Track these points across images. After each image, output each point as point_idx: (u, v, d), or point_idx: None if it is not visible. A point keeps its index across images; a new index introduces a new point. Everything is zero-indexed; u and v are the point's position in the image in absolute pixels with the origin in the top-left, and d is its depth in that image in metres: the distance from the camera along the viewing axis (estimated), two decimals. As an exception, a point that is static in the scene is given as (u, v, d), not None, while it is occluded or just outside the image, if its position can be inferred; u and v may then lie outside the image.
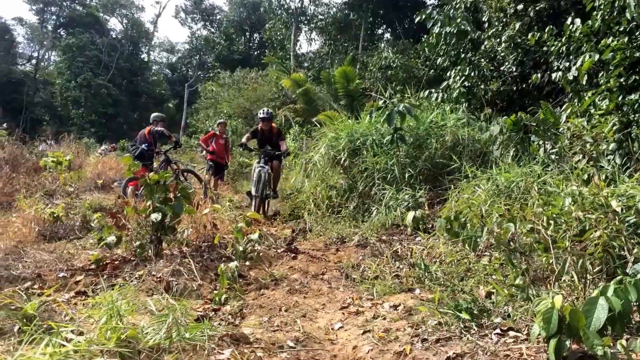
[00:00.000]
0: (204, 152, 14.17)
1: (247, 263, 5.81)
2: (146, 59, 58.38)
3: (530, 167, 7.25)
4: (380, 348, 3.84)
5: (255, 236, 5.81)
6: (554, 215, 4.02)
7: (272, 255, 6.70)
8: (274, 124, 11.13)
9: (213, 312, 4.60)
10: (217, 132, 13.71)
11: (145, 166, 9.56)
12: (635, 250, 3.47)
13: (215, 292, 5.19)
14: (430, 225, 7.09)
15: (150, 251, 5.70)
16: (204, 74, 48.80)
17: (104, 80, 46.72)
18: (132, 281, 5.02)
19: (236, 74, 28.80)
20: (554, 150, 8.05)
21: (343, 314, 4.73)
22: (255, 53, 44.25)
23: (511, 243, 4.21)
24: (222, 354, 3.46)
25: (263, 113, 10.91)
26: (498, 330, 3.79)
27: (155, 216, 5.52)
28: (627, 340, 2.99)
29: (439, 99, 11.64)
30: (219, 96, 28.60)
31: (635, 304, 3.01)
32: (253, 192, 9.97)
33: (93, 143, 27.38)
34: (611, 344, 2.90)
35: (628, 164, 6.72)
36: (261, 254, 6.12)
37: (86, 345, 2.90)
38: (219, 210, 6.82)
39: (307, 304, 5.08)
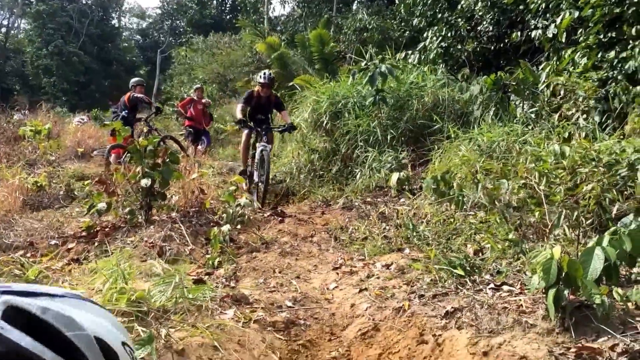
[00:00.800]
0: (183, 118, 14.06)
1: (238, 227, 5.81)
2: (117, 25, 57.00)
3: (511, 127, 7.31)
4: (378, 305, 3.91)
5: (245, 200, 5.81)
6: (546, 171, 4.07)
7: (260, 219, 6.71)
8: (273, 91, 9.33)
9: (207, 276, 4.62)
10: (195, 98, 13.52)
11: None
12: (626, 203, 3.55)
13: (208, 256, 5.20)
14: (416, 187, 7.14)
15: (140, 217, 5.67)
16: (176, 39, 47.81)
17: (74, 47, 45.56)
18: (124, 247, 4.99)
19: (209, 39, 28.28)
20: (533, 110, 8.14)
21: (337, 274, 4.78)
22: (228, 17, 43.36)
23: (503, 199, 4.27)
24: (226, 313, 3.49)
25: (263, 77, 8.84)
26: (492, 285, 3.86)
27: (145, 182, 5.47)
28: (622, 289, 3.08)
29: (416, 60, 11.62)
30: (192, 62, 28.11)
31: (631, 253, 3.09)
32: (255, 178, 8.39)
33: (66, 112, 26.77)
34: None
35: (607, 122, 6.81)
36: (250, 217, 6.12)
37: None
38: (206, 175, 6.78)
39: (300, 266, 5.12)
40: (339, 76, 11.49)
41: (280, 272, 4.89)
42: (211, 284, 4.16)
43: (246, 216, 5.85)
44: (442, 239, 5.34)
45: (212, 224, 6.19)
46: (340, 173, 8.71)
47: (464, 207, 5.70)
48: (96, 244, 5.19)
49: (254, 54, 21.97)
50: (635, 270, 3.41)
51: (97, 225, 5.58)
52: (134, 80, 11.42)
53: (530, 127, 7.47)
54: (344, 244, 5.77)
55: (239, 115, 8.47)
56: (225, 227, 5.37)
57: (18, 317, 0.82)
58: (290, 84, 15.69)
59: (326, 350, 3.64)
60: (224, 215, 6.06)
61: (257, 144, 8.45)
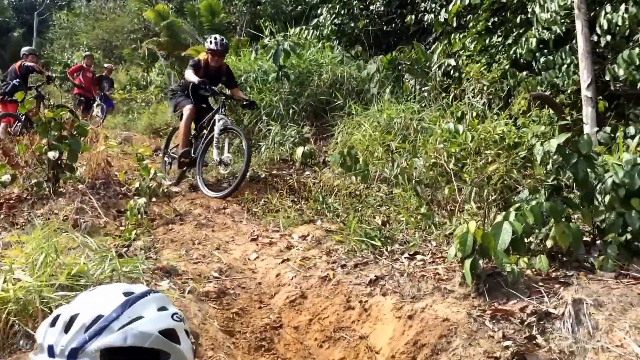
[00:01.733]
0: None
1: (153, 199, 5.78)
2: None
3: (407, 105, 7.73)
4: (303, 274, 4.14)
5: (160, 174, 5.80)
6: (454, 151, 4.46)
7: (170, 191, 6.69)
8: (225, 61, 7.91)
9: (125, 248, 4.62)
10: (84, 65, 12.94)
11: (16, 102, 8.91)
12: (527, 181, 3.99)
13: (122, 228, 5.18)
14: (321, 160, 7.40)
15: (47, 189, 5.49)
16: (54, 1, 44.64)
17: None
18: (34, 220, 4.84)
19: (92, 3, 26.82)
20: (426, 89, 8.64)
21: (256, 245, 4.95)
22: (113, -20, 41.16)
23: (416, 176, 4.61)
24: (160, 285, 3.57)
25: (215, 43, 7.30)
26: (406, 255, 4.21)
27: (53, 154, 5.30)
28: (528, 258, 3.50)
29: (311, 37, 11.82)
30: (75, 26, 26.58)
31: (533, 225, 3.52)
32: (216, 157, 6.92)
33: None
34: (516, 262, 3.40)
35: (495, 102, 7.40)
36: (165, 190, 6.10)
37: (37, 280, 2.90)
38: (114, 147, 6.64)
39: (217, 237, 5.23)
40: (231, 49, 11.40)
41: (199, 244, 4.98)
42: (138, 258, 4.18)
43: (161, 189, 5.82)
44: (351, 210, 5.64)
45: (120, 196, 6.12)
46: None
47: (369, 181, 6.05)
48: (2, 216, 5.00)
49: (141, 21, 21.14)
50: (533, 240, 3.85)
51: (0, 197, 5.36)
52: (25, 49, 11.01)
53: (424, 106, 7.96)
54: (257, 216, 5.92)
55: (194, 78, 7.00)
56: (141, 200, 5.34)
57: (111, 353, 1.09)
58: (183, 54, 15.37)
59: (258, 317, 3.83)
60: (134, 187, 6.01)
61: (217, 116, 7.06)
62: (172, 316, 1.22)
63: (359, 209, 5.67)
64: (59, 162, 5.47)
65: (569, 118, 5.49)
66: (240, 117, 9.03)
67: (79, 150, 5.51)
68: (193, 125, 7.57)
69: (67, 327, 1.11)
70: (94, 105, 13.54)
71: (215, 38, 7.40)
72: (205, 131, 7.37)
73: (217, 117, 7.08)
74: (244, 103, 7.59)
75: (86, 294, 1.23)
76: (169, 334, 1.18)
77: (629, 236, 3.70)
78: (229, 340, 3.48)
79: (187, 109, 7.30)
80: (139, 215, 5.28)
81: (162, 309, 1.21)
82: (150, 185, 5.60)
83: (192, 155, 7.25)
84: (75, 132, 5.52)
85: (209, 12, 17.87)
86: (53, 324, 1.14)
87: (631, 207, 3.57)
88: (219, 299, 3.87)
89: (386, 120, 7.28)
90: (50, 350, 1.09)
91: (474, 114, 6.86)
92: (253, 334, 3.65)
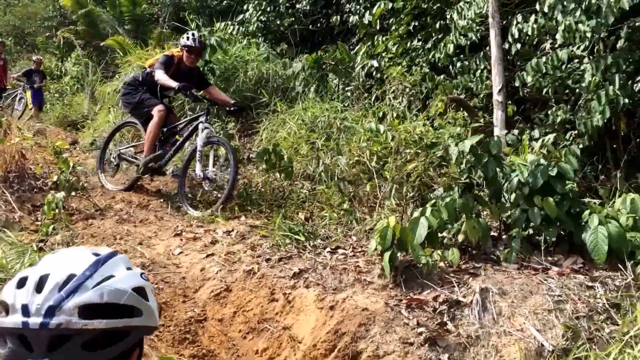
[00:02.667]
0: None
1: (72, 194, 5.70)
2: None
3: (331, 104, 7.95)
4: (228, 269, 4.23)
5: (79, 166, 5.73)
6: (376, 150, 4.68)
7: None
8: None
9: (42, 243, 4.57)
10: (-5, 53, 12.43)
11: None
12: (443, 179, 4.26)
13: (38, 223, 5.10)
14: (245, 156, 7.48)
15: (-44, 182, 5.33)
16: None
17: None
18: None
19: (3, -13, 25.66)
20: (349, 88, 8.88)
21: (180, 240, 5.00)
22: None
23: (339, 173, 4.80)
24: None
25: (193, 39, 6.54)
26: (329, 249, 4.39)
27: (-35, 146, 5.15)
28: (441, 251, 3.75)
29: (236, 32, 11.84)
30: (-17, 11, 25.34)
31: (447, 221, 3.78)
32: (198, 173, 6.08)
33: None
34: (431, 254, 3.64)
35: (415, 103, 7.72)
36: (84, 184, 6.01)
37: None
38: (28, 139, 6.47)
39: (139, 232, 5.24)
40: (148, 40, 11.26)
41: (121, 239, 4.97)
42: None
43: (81, 183, 5.75)
44: (275, 207, 5.78)
45: (35, 190, 6.00)
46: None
47: (292, 177, 6.20)
48: None
49: (57, 8, 20.40)
50: (446, 234, 4.12)
51: None
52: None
53: (347, 105, 8.19)
54: (181, 211, 5.95)
55: (171, 82, 6.20)
56: (60, 194, 5.26)
57: (89, 311, 1.13)
58: (102, 43, 15.02)
59: (182, 310, 3.90)
60: (51, 181, 5.90)
61: (200, 125, 6.22)
62: (140, 275, 1.29)
63: (283, 205, 5.82)
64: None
65: (481, 121, 5.86)
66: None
67: (-8, 143, 5.38)
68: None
69: (38, 287, 1.13)
70: (17, 97, 13.09)
71: (193, 34, 6.66)
72: (178, 137, 6.60)
73: (200, 126, 6.22)
74: (231, 109, 6.72)
75: (51, 256, 1.27)
76: (140, 292, 1.24)
77: (531, 231, 4.04)
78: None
79: (157, 111, 6.43)
80: (57, 210, 5.19)
81: (130, 268, 1.28)
82: (69, 179, 5.51)
83: (160, 162, 6.44)
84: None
85: (130, 2, 17.47)
86: (21, 285, 1.15)
87: (534, 204, 3.89)
88: (142, 293, 3.90)
89: (311, 118, 7.46)
90: (25, 310, 1.10)
91: (395, 114, 7.14)
92: (177, 327, 3.72)
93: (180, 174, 6.27)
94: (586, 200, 4.53)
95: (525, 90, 6.59)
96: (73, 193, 5.73)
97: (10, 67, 16.14)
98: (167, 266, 4.48)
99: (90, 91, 14.37)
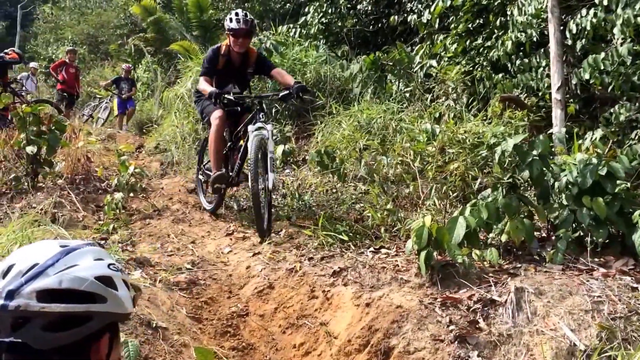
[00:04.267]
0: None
1: (131, 195, 5.95)
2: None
3: (388, 105, 7.91)
4: (272, 267, 4.31)
5: (138, 169, 5.97)
6: (419, 150, 4.65)
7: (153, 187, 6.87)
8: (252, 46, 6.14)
9: (102, 241, 4.78)
10: (67, 60, 13.08)
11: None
12: (486, 179, 4.19)
13: (100, 222, 5.34)
14: (300, 159, 7.57)
15: (26, 184, 5.65)
16: (38, -6, 44.43)
17: None
18: (13, 213, 5.01)
19: (78, -3, 26.96)
20: (407, 89, 8.82)
21: (231, 239, 5.13)
22: (98, -26, 41.10)
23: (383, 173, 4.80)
24: (133, 274, 3.74)
25: (237, 19, 5.59)
26: (372, 249, 4.41)
27: (31, 149, 5.48)
28: (481, 251, 3.70)
29: (298, 35, 11.96)
30: (60, 21, 26.62)
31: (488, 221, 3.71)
32: (260, 184, 5.19)
33: None
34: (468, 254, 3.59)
35: (473, 104, 7.59)
36: (143, 186, 6.27)
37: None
38: (94, 143, 6.80)
39: (193, 232, 5.41)
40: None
41: (175, 238, 5.15)
42: (109, 249, 4.36)
43: (140, 184, 6.00)
44: (327, 207, 5.82)
45: (100, 191, 6.29)
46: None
47: (345, 179, 6.22)
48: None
49: (127, 16, 21.20)
50: (491, 235, 4.05)
51: (-20, 191, 5.54)
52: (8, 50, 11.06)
53: (405, 106, 8.13)
54: (234, 212, 6.09)
55: (207, 87, 5.54)
56: (119, 195, 5.51)
57: (47, 295, 1.21)
58: (167, 48, 15.51)
59: (226, 306, 4.02)
60: (114, 183, 6.17)
61: (250, 127, 5.37)
62: (108, 266, 1.34)
63: (334, 206, 5.85)
64: (37, 157, 5.64)
65: (536, 119, 5.70)
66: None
67: (57, 146, 5.70)
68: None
69: (4, 274, 1.23)
70: (102, 105, 13.76)
71: (237, 13, 5.70)
72: (242, 142, 5.90)
73: (250, 127, 5.36)
74: (285, 93, 5.65)
75: (23, 248, 1.37)
76: (106, 280, 1.30)
77: (580, 232, 3.91)
78: (196, 326, 3.67)
79: (214, 118, 5.65)
80: (117, 210, 5.44)
81: (99, 259, 1.34)
82: (128, 180, 5.76)
83: (231, 174, 5.77)
84: (53, 128, 5.68)
85: (197, 9, 17.92)
86: None
87: (582, 204, 3.76)
88: (190, 289, 4.06)
89: (366, 120, 7.45)
90: None
91: (452, 114, 7.05)
92: (220, 321, 3.84)
93: (223, 186, 5.71)
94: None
95: (597, 88, 6.34)
96: (132, 194, 5.96)
97: (84, 74, 16.90)
98: (216, 264, 4.61)
99: (159, 97, 14.90)
